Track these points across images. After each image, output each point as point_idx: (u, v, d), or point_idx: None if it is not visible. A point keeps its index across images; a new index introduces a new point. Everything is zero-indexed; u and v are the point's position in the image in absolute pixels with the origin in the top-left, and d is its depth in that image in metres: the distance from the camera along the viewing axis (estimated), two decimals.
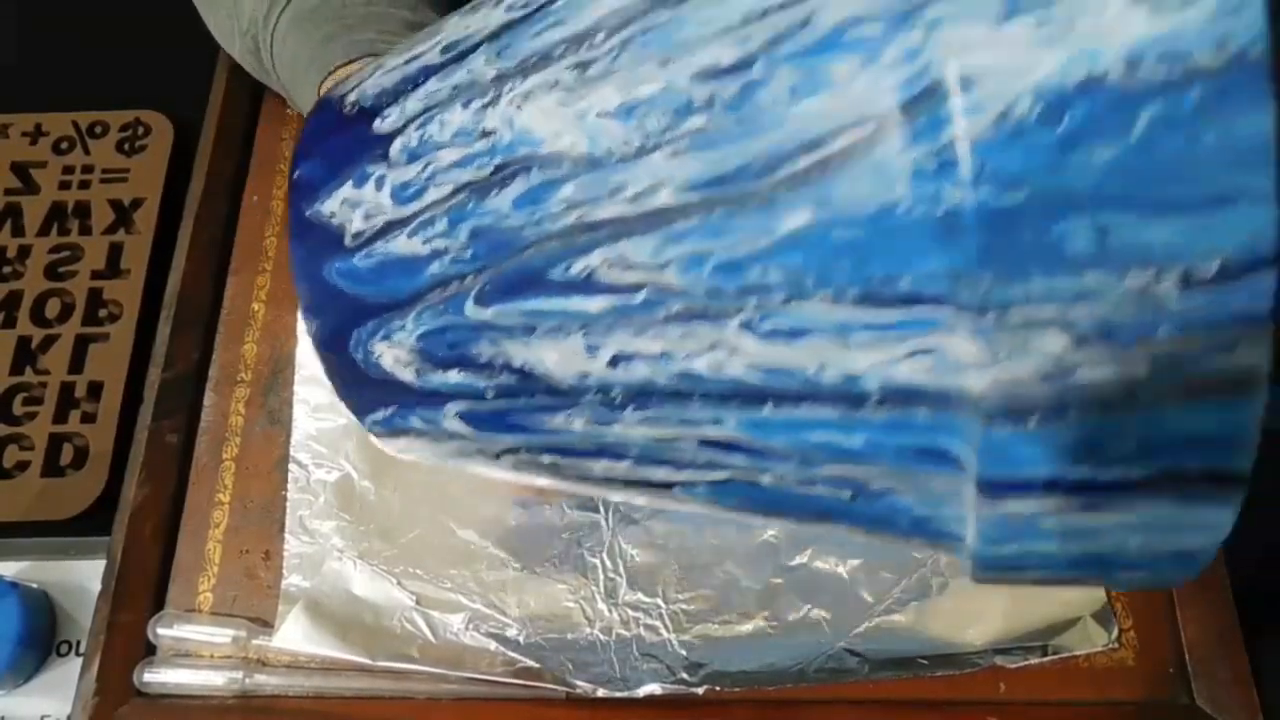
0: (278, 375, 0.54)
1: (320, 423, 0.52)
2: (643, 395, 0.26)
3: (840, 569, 0.47)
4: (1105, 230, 0.18)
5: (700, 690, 0.45)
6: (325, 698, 0.46)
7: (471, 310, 0.27)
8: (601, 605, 0.47)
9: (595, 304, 0.25)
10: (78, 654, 0.49)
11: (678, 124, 0.23)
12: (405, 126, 0.28)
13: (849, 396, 0.23)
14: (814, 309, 0.22)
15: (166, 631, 0.48)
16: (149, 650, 0.48)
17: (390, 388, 0.31)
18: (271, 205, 0.59)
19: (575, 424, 0.28)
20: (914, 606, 0.47)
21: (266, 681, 0.47)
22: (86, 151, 0.63)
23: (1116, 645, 0.46)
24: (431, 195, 0.27)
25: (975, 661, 0.45)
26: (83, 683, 0.46)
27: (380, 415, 0.32)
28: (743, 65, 0.22)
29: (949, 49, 0.18)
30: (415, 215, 0.28)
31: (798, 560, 0.48)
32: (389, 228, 0.28)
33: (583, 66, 0.24)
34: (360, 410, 0.33)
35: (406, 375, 0.30)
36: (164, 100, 0.65)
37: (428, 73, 0.28)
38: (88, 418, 0.55)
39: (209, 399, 0.54)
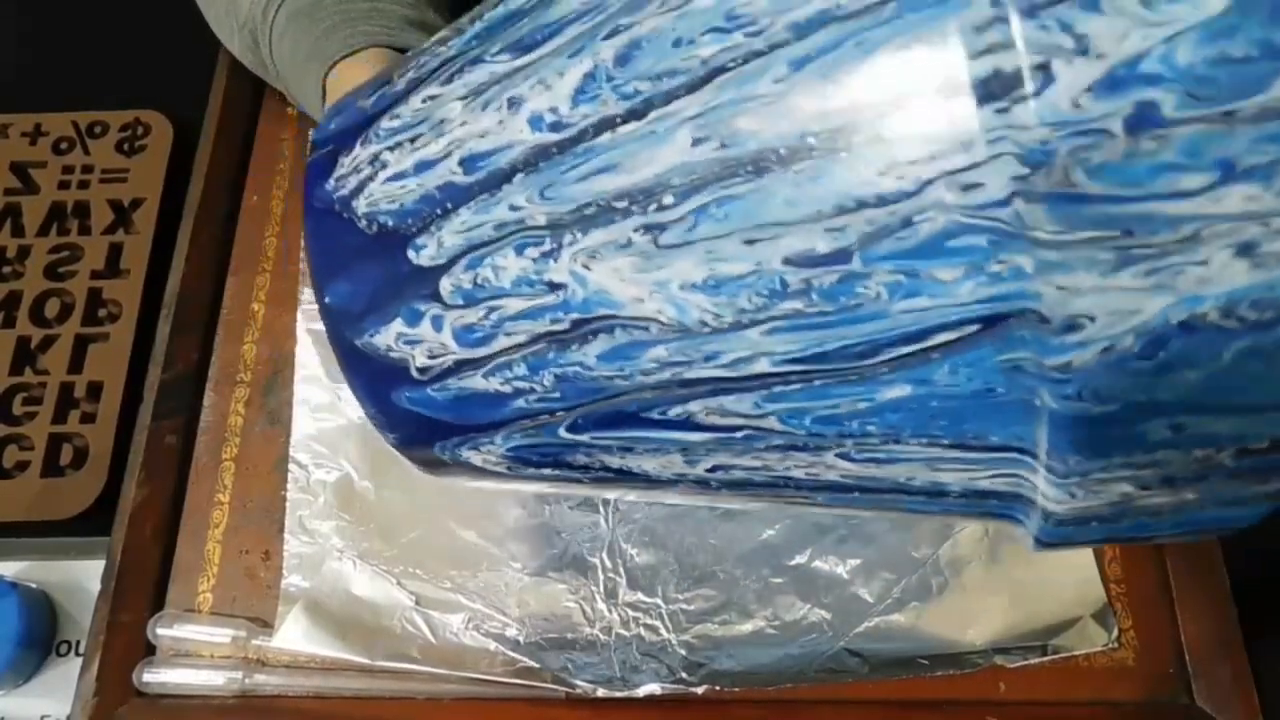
0: (277, 375, 0.54)
1: (320, 423, 0.52)
2: (738, 485, 0.27)
3: (840, 569, 0.47)
4: (1181, 427, 0.20)
5: (700, 690, 0.45)
6: (325, 698, 0.46)
7: (565, 435, 0.27)
8: (601, 605, 0.47)
9: (695, 437, 0.26)
10: (78, 654, 0.49)
11: (771, 305, 0.22)
12: (450, 265, 0.26)
13: (932, 492, 0.25)
14: (908, 449, 0.24)
15: (166, 631, 0.48)
16: (149, 650, 0.48)
17: (476, 472, 0.31)
18: (271, 205, 0.59)
19: (670, 496, 0.29)
20: (914, 607, 0.47)
21: (266, 681, 0.47)
22: (86, 151, 0.63)
23: (1116, 645, 0.46)
24: (503, 342, 0.26)
25: (975, 661, 0.45)
26: (82, 683, 0.46)
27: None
28: (840, 257, 0.21)
29: (1056, 289, 0.19)
30: (489, 358, 0.27)
31: (797, 560, 0.48)
32: (460, 366, 0.27)
33: (654, 230, 0.23)
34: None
35: (497, 469, 0.30)
36: (164, 100, 0.64)
37: (454, 197, 0.26)
38: (87, 418, 0.55)
39: (209, 399, 0.54)
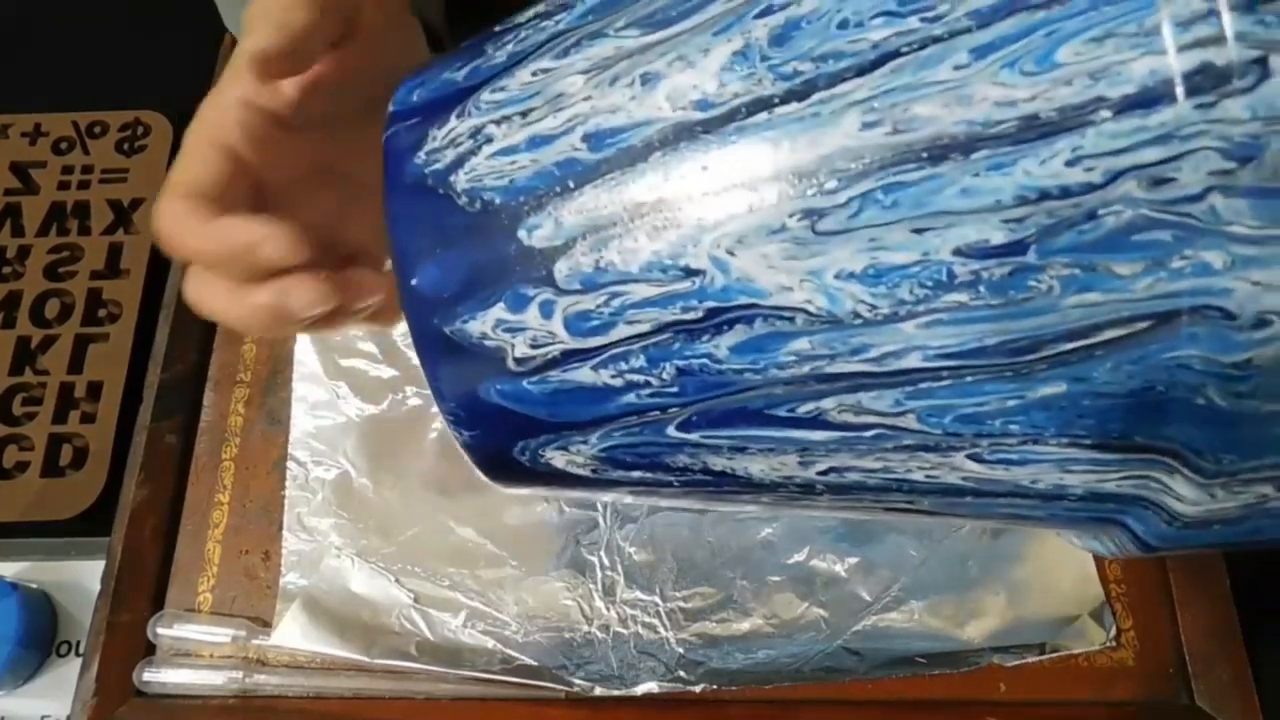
0: (277, 375, 0.54)
1: (319, 420, 0.52)
2: (845, 490, 0.26)
3: (838, 567, 0.47)
4: None
5: (698, 688, 0.45)
6: (325, 698, 0.46)
7: (673, 433, 0.26)
8: (599, 603, 0.47)
9: (819, 436, 0.25)
10: (78, 654, 0.49)
11: (935, 297, 0.21)
12: (569, 247, 0.24)
13: (1050, 495, 0.24)
14: (1045, 449, 0.23)
15: (166, 631, 0.48)
16: (149, 650, 0.48)
17: (552, 477, 0.29)
18: None
19: (763, 498, 0.28)
20: (911, 605, 0.47)
21: (266, 681, 0.47)
22: (86, 151, 0.63)
23: (1114, 644, 0.46)
24: (623, 331, 0.24)
25: (973, 660, 0.45)
26: (82, 683, 0.46)
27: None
28: (1015, 249, 0.20)
29: (1250, 285, 0.19)
30: (603, 348, 0.25)
31: (795, 559, 0.48)
32: (567, 357, 0.25)
33: (813, 216, 0.22)
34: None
35: (580, 472, 0.28)
36: (164, 100, 0.65)
37: (577, 175, 0.24)
38: (87, 418, 0.55)
39: (208, 399, 0.54)
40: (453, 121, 0.26)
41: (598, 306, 0.24)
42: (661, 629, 0.47)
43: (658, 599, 0.47)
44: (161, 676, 0.47)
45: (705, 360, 0.24)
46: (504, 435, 0.28)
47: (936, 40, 0.21)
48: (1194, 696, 0.45)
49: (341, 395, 0.52)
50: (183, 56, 0.63)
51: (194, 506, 0.51)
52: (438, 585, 0.48)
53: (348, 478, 0.51)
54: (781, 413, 0.24)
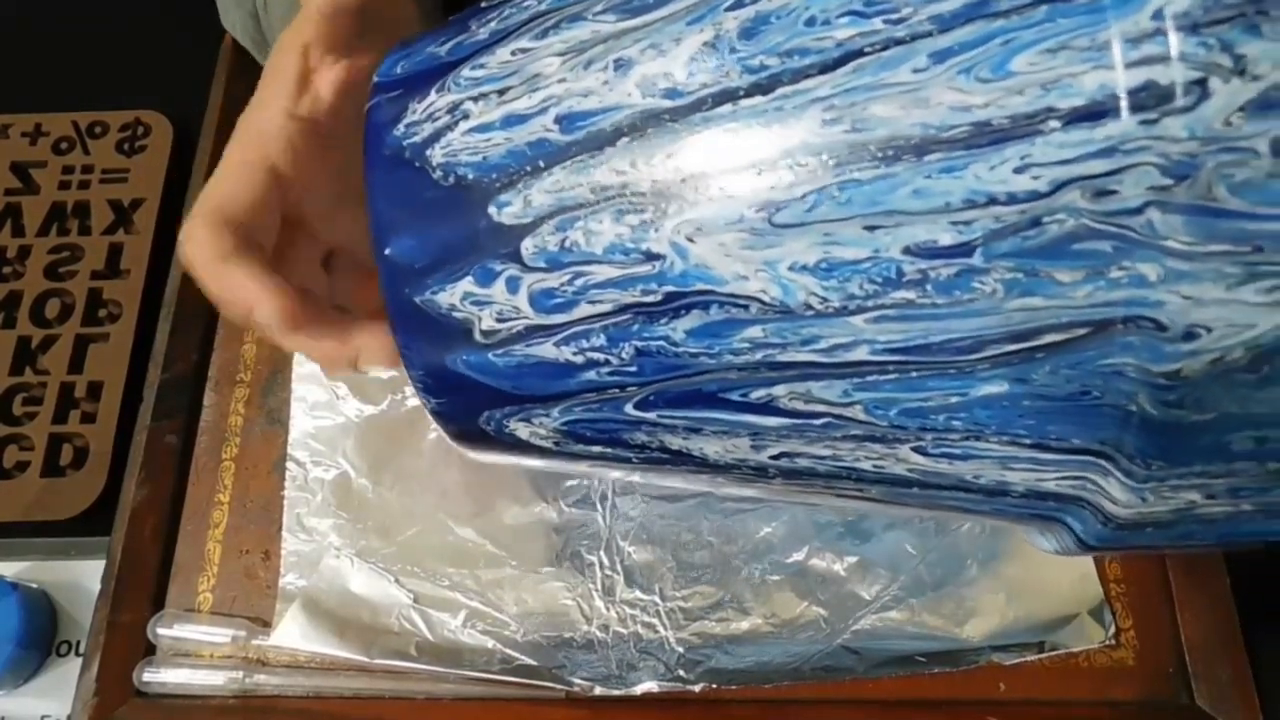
0: (277, 375, 0.54)
1: (318, 421, 0.52)
2: (796, 475, 0.27)
3: (837, 566, 0.47)
4: (1264, 439, 0.21)
5: (697, 688, 0.45)
6: (325, 698, 0.46)
7: (630, 411, 0.27)
8: (599, 603, 0.47)
9: (771, 422, 0.25)
10: (78, 654, 0.49)
11: (883, 293, 0.22)
12: (536, 225, 0.25)
13: (994, 491, 0.25)
14: (986, 446, 0.24)
15: (166, 631, 0.48)
16: (149, 650, 0.48)
17: (516, 447, 0.30)
18: None
19: (718, 479, 0.29)
20: (910, 604, 0.47)
21: (266, 681, 0.47)
22: (86, 151, 0.63)
23: (1113, 642, 0.46)
24: (585, 310, 0.25)
25: (972, 659, 0.45)
26: (82, 683, 0.47)
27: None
28: (962, 251, 0.21)
29: (1181, 298, 0.20)
30: (565, 325, 0.25)
31: (795, 557, 0.48)
32: (531, 332, 0.26)
33: (769, 208, 0.22)
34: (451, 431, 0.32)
35: (543, 444, 0.29)
36: (164, 100, 0.65)
37: (547, 155, 0.25)
38: (87, 418, 0.55)
39: (208, 399, 0.54)
40: (432, 96, 0.27)
41: (561, 285, 0.25)
42: (661, 628, 0.47)
43: (657, 598, 0.47)
44: (161, 676, 0.47)
45: (662, 343, 0.25)
46: (470, 405, 0.29)
47: (898, 42, 0.21)
48: (1194, 696, 0.45)
49: (341, 396, 0.52)
50: (183, 57, 0.63)
51: (194, 506, 0.51)
52: (437, 585, 0.48)
53: (347, 478, 0.51)
54: (735, 397, 0.25)
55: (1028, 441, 0.23)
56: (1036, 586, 0.47)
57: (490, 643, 0.47)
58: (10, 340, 0.57)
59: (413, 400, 0.52)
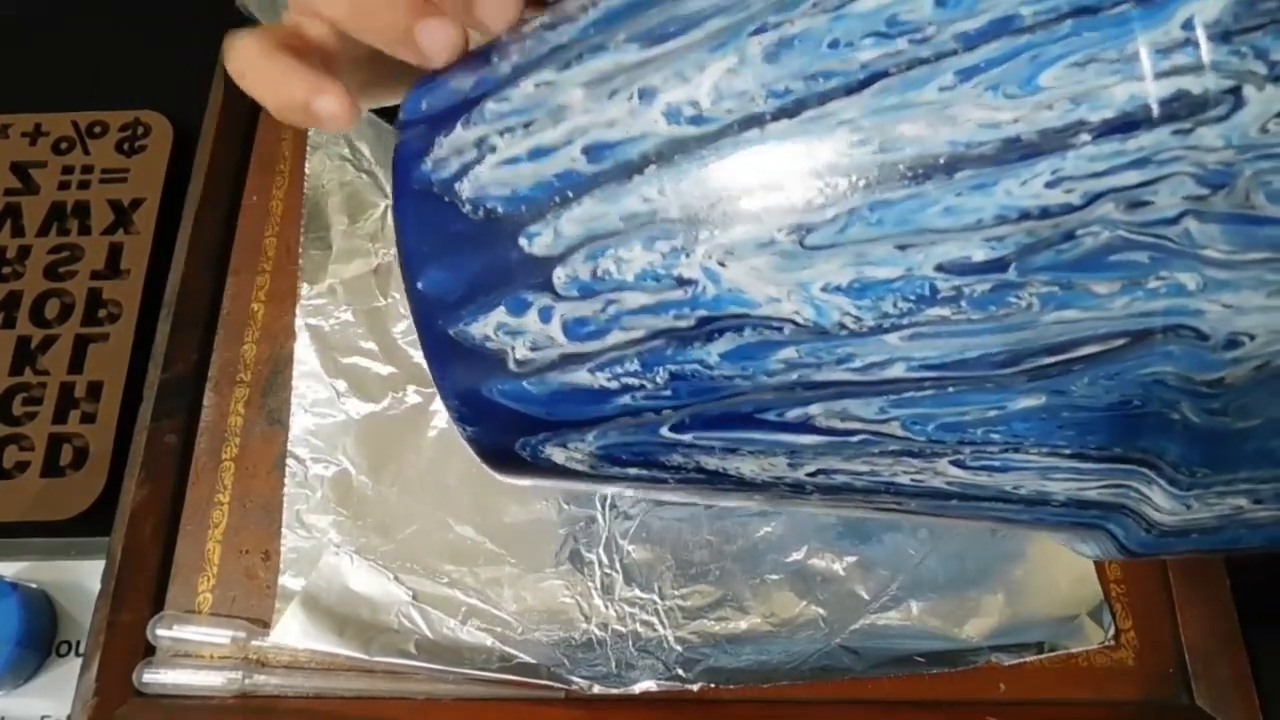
0: (277, 375, 0.54)
1: (318, 418, 0.52)
2: (834, 490, 0.27)
3: (837, 566, 0.47)
4: None
5: (696, 687, 0.45)
6: (324, 698, 0.46)
7: (667, 434, 0.26)
8: (598, 601, 0.47)
9: (807, 440, 0.25)
10: (78, 654, 0.49)
11: (918, 311, 0.22)
12: (567, 255, 0.25)
13: (1035, 500, 0.25)
14: (1026, 458, 0.24)
15: (166, 633, 0.48)
16: (149, 650, 0.48)
17: (552, 471, 0.30)
18: (271, 205, 0.59)
19: (756, 496, 0.29)
20: (910, 604, 0.47)
21: (266, 682, 0.47)
22: (86, 151, 0.63)
23: (1112, 643, 0.46)
24: (618, 337, 0.25)
25: (971, 659, 0.45)
26: (82, 683, 0.47)
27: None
28: (996, 266, 0.21)
29: (1221, 307, 0.20)
30: (599, 353, 0.25)
31: (794, 557, 0.48)
32: (565, 360, 0.26)
33: (800, 230, 0.22)
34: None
35: (579, 468, 0.29)
36: (164, 100, 0.65)
37: (575, 185, 0.25)
38: (87, 418, 0.55)
39: (208, 399, 0.54)
40: (459, 130, 0.27)
41: (594, 313, 0.25)
42: (660, 627, 0.47)
43: (656, 597, 0.47)
44: (161, 677, 0.47)
45: (697, 366, 0.24)
46: (506, 432, 0.28)
47: (923, 62, 0.21)
48: (1194, 696, 0.45)
49: (341, 393, 0.52)
50: (183, 57, 0.63)
51: (194, 506, 0.51)
52: (436, 583, 0.48)
53: (347, 475, 0.51)
54: (771, 417, 0.25)
55: (1068, 452, 0.23)
56: (1036, 587, 0.47)
57: (489, 640, 0.47)
58: (10, 340, 0.57)
59: (413, 398, 0.52)
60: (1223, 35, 0.18)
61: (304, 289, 0.56)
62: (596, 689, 0.45)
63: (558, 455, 0.29)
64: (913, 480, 0.26)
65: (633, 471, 0.29)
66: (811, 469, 0.26)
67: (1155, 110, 0.19)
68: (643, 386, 0.25)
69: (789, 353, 0.23)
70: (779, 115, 0.22)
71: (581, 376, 0.26)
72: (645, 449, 0.27)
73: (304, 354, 0.54)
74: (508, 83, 0.27)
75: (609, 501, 0.49)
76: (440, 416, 0.52)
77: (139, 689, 0.47)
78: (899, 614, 0.47)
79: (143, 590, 0.49)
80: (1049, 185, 0.20)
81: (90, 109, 0.64)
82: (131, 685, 0.47)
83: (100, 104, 0.65)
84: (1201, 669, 0.45)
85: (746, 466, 0.27)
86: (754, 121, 0.23)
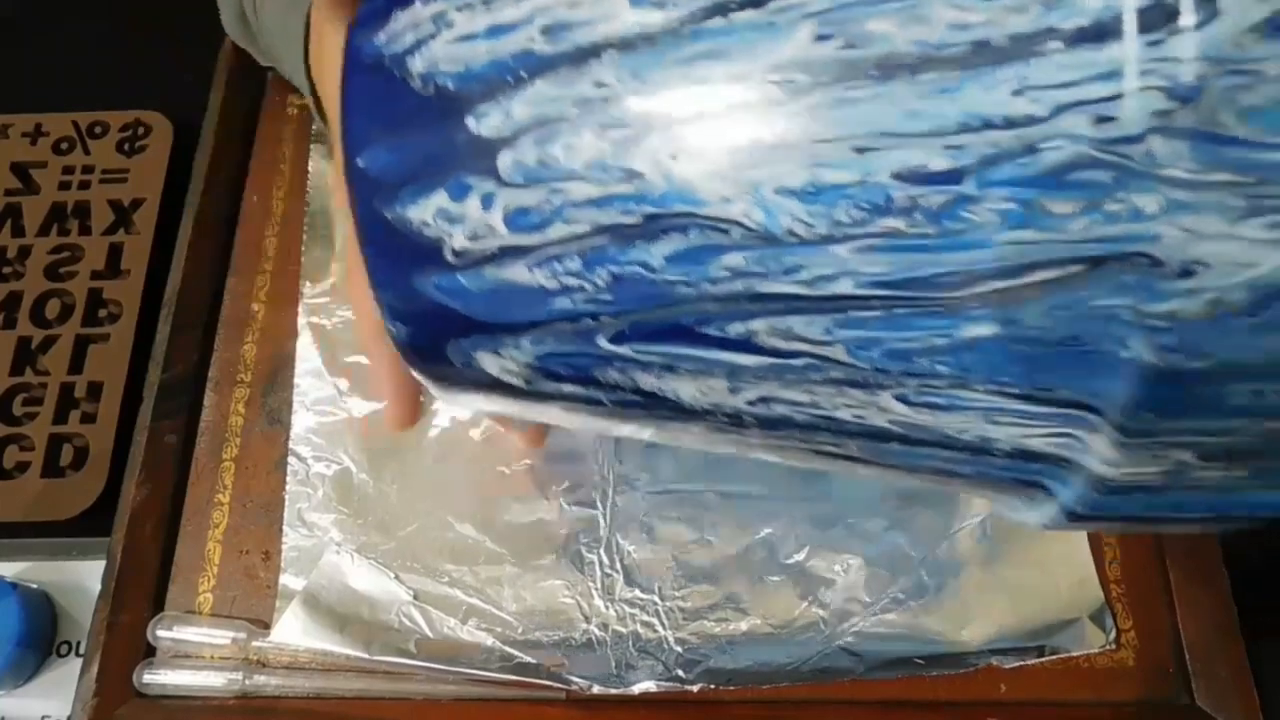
0: (277, 375, 0.54)
1: (320, 417, 0.52)
2: (773, 425, 0.26)
3: (837, 567, 0.47)
4: (1261, 392, 0.20)
5: (696, 688, 0.45)
6: (325, 698, 0.46)
7: (604, 345, 0.26)
8: (598, 601, 0.47)
9: (748, 360, 0.24)
10: (78, 654, 0.49)
11: (871, 221, 0.21)
12: (515, 138, 0.24)
13: (978, 448, 0.24)
14: (972, 395, 0.23)
15: (166, 634, 0.48)
16: (149, 651, 0.48)
17: (485, 385, 0.29)
18: (271, 205, 0.59)
19: (693, 429, 0.28)
20: (910, 606, 0.47)
21: (266, 682, 0.47)
22: (86, 152, 0.63)
23: (1114, 646, 0.46)
24: (560, 230, 0.24)
25: (971, 662, 0.45)
26: (82, 683, 0.46)
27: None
28: (953, 177, 0.20)
29: (1180, 231, 0.19)
30: (539, 247, 0.24)
31: (795, 559, 0.48)
32: (504, 253, 0.25)
33: (758, 128, 0.22)
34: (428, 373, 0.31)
35: (513, 381, 0.28)
36: (164, 100, 0.65)
37: (530, 66, 0.24)
38: (88, 418, 0.55)
39: (209, 399, 0.54)
40: (417, 5, 0.26)
41: (538, 203, 0.24)
42: (660, 628, 0.47)
43: (656, 598, 0.47)
44: (161, 678, 0.47)
45: (639, 268, 0.24)
46: (438, 331, 0.27)
47: None
48: (1194, 696, 0.45)
49: (343, 391, 0.52)
50: (183, 57, 0.64)
51: (194, 506, 0.51)
52: (437, 582, 0.48)
53: (348, 474, 0.51)
54: (712, 331, 0.24)
55: (1015, 391, 0.22)
56: (1037, 590, 0.47)
57: (489, 640, 0.47)
58: (10, 340, 0.57)
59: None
60: None
61: (306, 287, 0.56)
62: (596, 689, 0.45)
63: (491, 364, 0.28)
64: (854, 416, 0.25)
65: (568, 389, 0.27)
66: (751, 395, 0.25)
67: (1129, 19, 0.18)
68: (582, 288, 0.25)
69: (735, 259, 0.23)
70: (745, 4, 0.22)
71: (520, 273, 0.25)
72: (581, 361, 0.26)
73: (306, 352, 0.54)
74: None
75: (610, 501, 0.49)
76: (442, 415, 0.52)
77: (139, 689, 0.47)
78: (899, 617, 0.46)
79: (143, 590, 0.49)
80: (1015, 93, 0.19)
81: (90, 109, 0.64)
82: (131, 686, 0.46)
83: (100, 104, 0.65)
84: (1201, 668, 0.45)
85: (685, 389, 0.26)
86: (719, 9, 0.22)
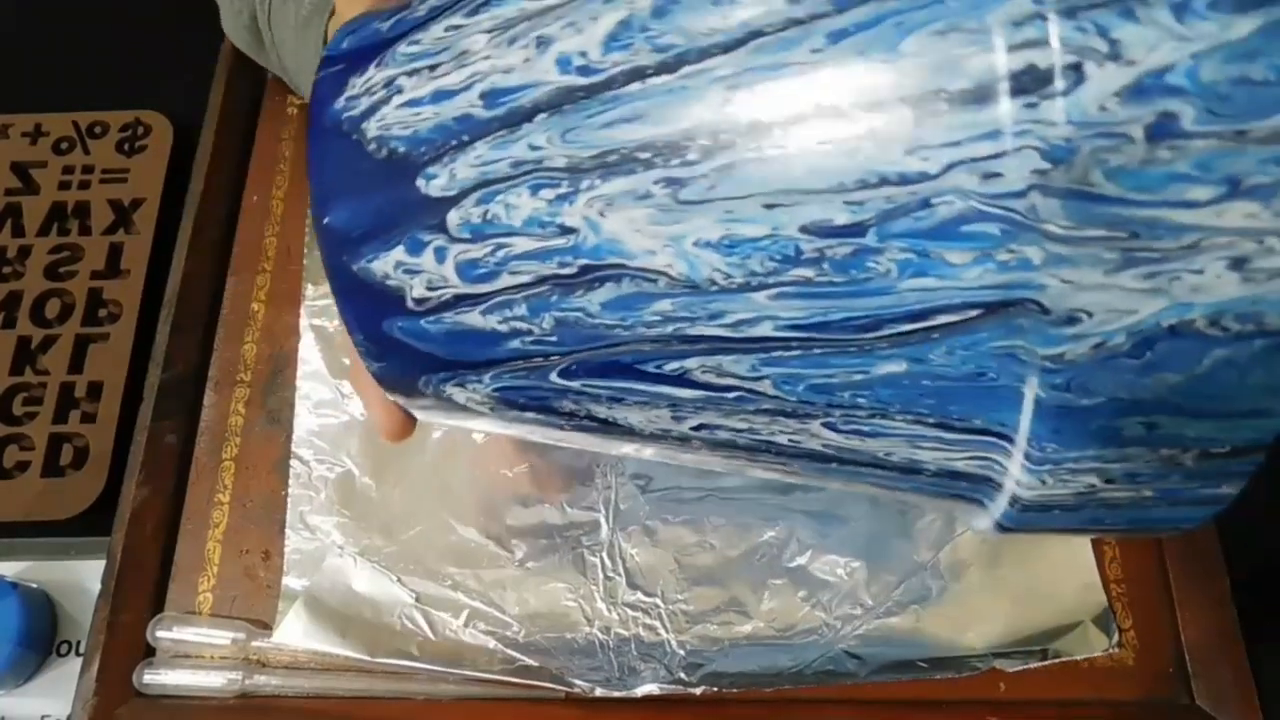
0: (277, 375, 0.54)
1: (322, 419, 0.52)
2: (720, 446, 0.28)
3: (840, 571, 0.47)
4: (1154, 425, 0.21)
5: (698, 691, 0.45)
6: (324, 698, 0.46)
7: (556, 380, 0.27)
8: (600, 604, 0.47)
9: (686, 393, 0.26)
10: (78, 654, 0.49)
11: (783, 271, 0.23)
12: (461, 198, 0.26)
13: (908, 469, 0.26)
14: (893, 424, 0.25)
15: (166, 634, 0.48)
16: (149, 651, 0.48)
17: (456, 409, 0.31)
18: (271, 205, 0.59)
19: (646, 451, 0.30)
20: (914, 609, 0.47)
21: (266, 682, 0.47)
22: (86, 151, 0.63)
23: (1117, 650, 0.46)
24: (506, 280, 0.26)
25: (974, 665, 0.45)
26: (82, 683, 0.46)
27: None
28: (856, 231, 0.22)
29: (1062, 282, 0.20)
30: (489, 295, 0.26)
31: (798, 562, 0.48)
32: (458, 301, 0.27)
33: (675, 185, 0.23)
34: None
35: (479, 409, 0.30)
36: (164, 100, 0.65)
37: (471, 130, 0.26)
38: (88, 418, 0.55)
39: (209, 399, 0.54)
40: (371, 71, 0.28)
41: (484, 256, 0.26)
42: (663, 631, 0.47)
43: (659, 601, 0.47)
44: (161, 678, 0.47)
45: (579, 314, 0.25)
46: (408, 369, 0.29)
47: (798, 23, 0.21)
48: (1194, 696, 0.45)
49: (345, 394, 0.52)
50: (183, 57, 0.64)
51: (194, 506, 0.51)
52: (439, 585, 0.48)
53: (350, 477, 0.51)
54: (650, 368, 0.26)
55: (931, 421, 0.24)
56: (1040, 594, 0.47)
57: (491, 643, 0.47)
58: (10, 340, 0.57)
59: None
60: (1069, 11, 0.18)
61: (308, 289, 0.56)
62: (599, 692, 0.45)
63: (458, 395, 0.29)
64: (790, 441, 0.26)
65: (530, 415, 0.29)
66: (694, 423, 0.27)
67: (1006, 83, 0.19)
68: (530, 331, 0.26)
69: (664, 305, 0.24)
70: (660, 70, 0.23)
71: (474, 318, 0.27)
72: (538, 394, 0.28)
73: (308, 354, 0.54)
74: (420, 25, 0.28)
75: (613, 505, 0.49)
76: None
77: (139, 689, 0.47)
78: (902, 620, 0.47)
79: (143, 590, 0.49)
80: (908, 152, 0.20)
81: (90, 109, 0.64)
82: (131, 686, 0.46)
83: (100, 104, 0.65)
84: (1201, 669, 0.45)
85: (634, 417, 0.28)
86: (636, 75, 0.23)
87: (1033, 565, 0.47)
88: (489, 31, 0.26)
